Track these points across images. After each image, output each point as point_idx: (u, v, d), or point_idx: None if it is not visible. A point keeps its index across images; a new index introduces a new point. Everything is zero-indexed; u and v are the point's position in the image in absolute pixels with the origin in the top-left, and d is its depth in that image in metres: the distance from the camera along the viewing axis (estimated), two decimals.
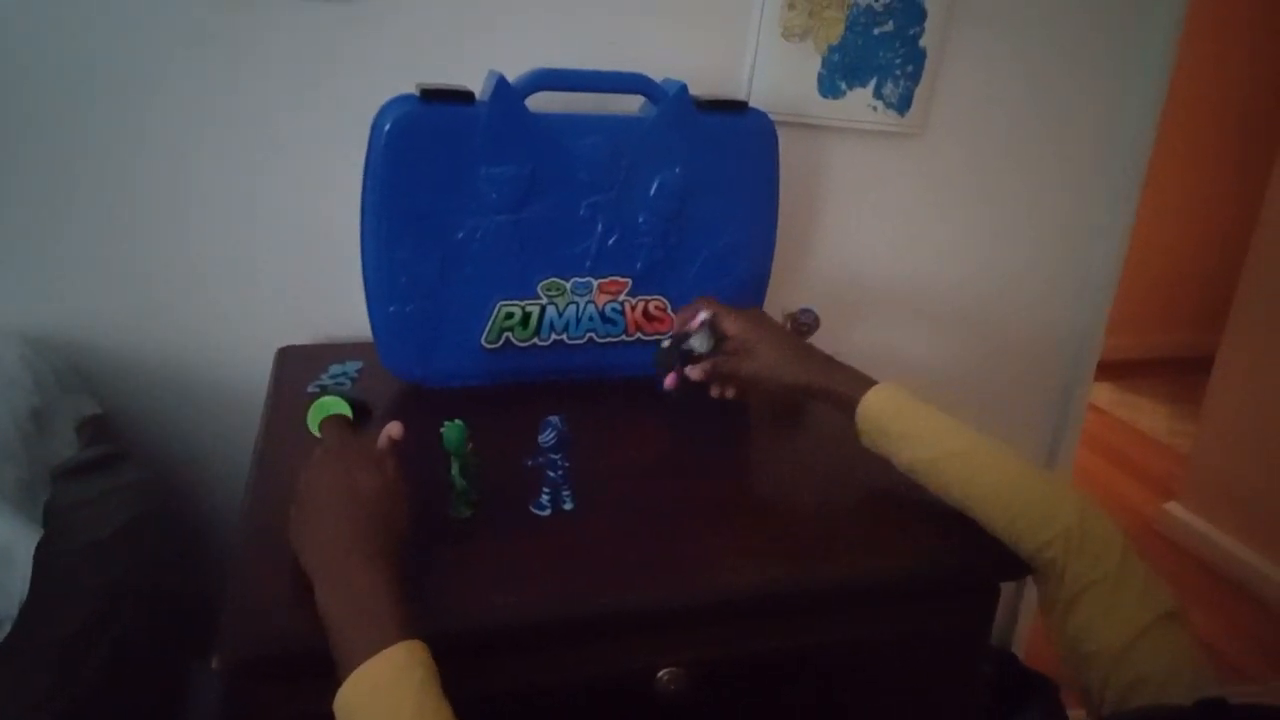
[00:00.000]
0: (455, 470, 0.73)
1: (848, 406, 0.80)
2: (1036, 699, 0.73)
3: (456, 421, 0.73)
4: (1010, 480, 0.72)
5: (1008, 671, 1.05)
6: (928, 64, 1.19)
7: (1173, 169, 2.93)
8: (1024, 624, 1.64)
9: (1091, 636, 0.64)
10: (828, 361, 0.85)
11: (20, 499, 0.76)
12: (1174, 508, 2.37)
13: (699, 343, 0.89)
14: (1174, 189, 3.18)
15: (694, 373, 0.89)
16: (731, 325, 0.87)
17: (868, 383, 0.81)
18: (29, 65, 0.93)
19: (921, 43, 1.18)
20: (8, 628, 0.68)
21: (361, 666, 0.53)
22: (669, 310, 1.02)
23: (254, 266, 1.06)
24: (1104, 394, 3.18)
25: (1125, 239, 1.44)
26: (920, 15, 1.16)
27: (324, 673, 0.55)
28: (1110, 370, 1.64)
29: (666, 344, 0.90)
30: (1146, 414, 3.14)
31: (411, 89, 0.88)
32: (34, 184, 0.97)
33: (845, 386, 0.81)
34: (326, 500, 0.63)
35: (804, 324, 1.06)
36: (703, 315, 0.88)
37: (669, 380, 0.89)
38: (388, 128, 0.85)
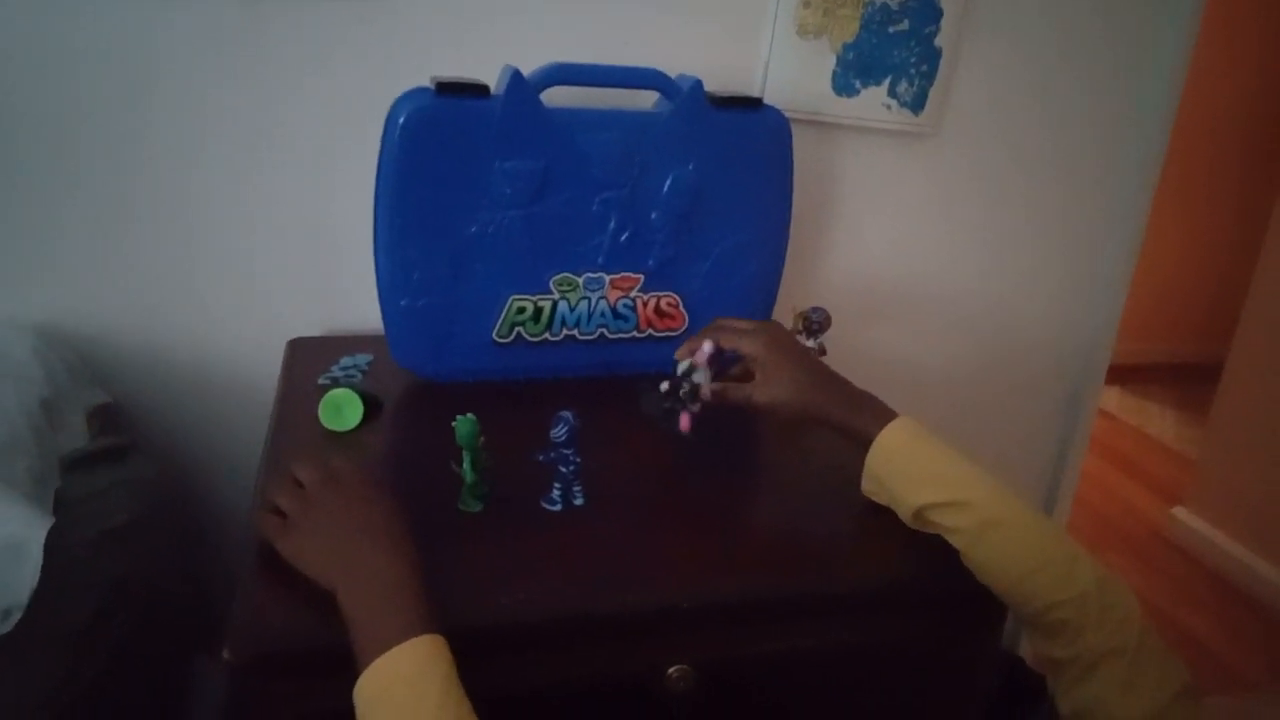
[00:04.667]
0: (467, 465, 0.73)
1: (864, 441, 0.76)
2: (1040, 704, 0.72)
3: (469, 416, 0.73)
4: (1027, 536, 0.69)
5: (1014, 675, 1.04)
6: (942, 63, 1.19)
7: (1184, 173, 2.92)
8: None
9: (1109, 708, 0.62)
10: (848, 392, 0.79)
11: (31, 489, 0.76)
12: (1181, 513, 2.36)
13: (703, 377, 0.82)
14: (1185, 193, 3.17)
15: (705, 392, 0.81)
16: (749, 344, 0.80)
17: (885, 418, 0.76)
18: (45, 60, 0.92)
19: (937, 42, 1.17)
20: (17, 617, 0.67)
21: (386, 655, 0.53)
22: (680, 307, 1.01)
23: (266, 258, 1.06)
24: (1112, 399, 3.17)
25: (1137, 243, 1.43)
26: (936, 14, 1.16)
27: (332, 670, 0.55)
28: (1119, 375, 1.63)
29: (665, 387, 0.83)
30: (1155, 419, 3.13)
31: (426, 82, 0.88)
32: (46, 178, 0.97)
33: (862, 422, 0.76)
34: (338, 505, 0.64)
35: (815, 323, 1.05)
36: (707, 348, 0.81)
37: (683, 423, 0.82)
38: (402, 121, 0.85)
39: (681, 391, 0.83)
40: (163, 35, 0.94)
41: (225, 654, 0.58)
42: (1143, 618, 0.65)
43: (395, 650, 0.53)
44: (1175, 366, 3.45)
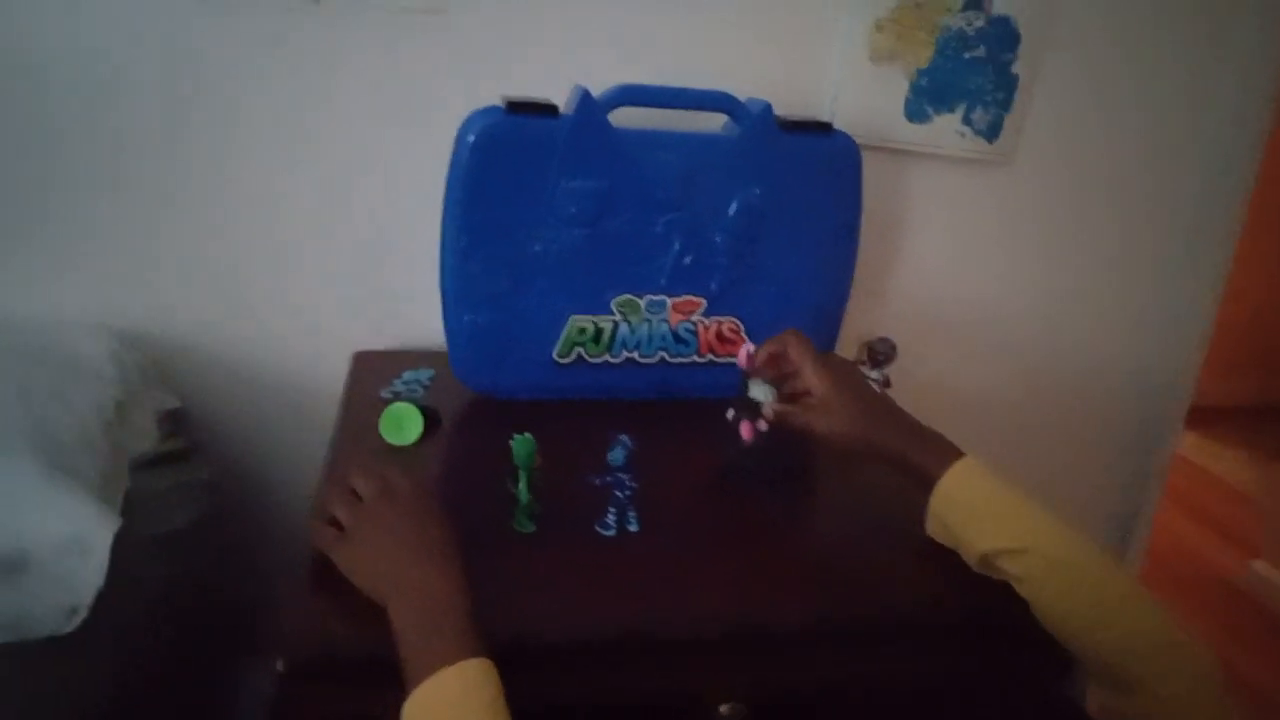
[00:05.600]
0: (522, 485, 0.73)
1: (927, 482, 0.73)
2: None
3: (526, 435, 0.72)
4: (1097, 584, 0.66)
5: None
6: (1019, 91, 1.16)
7: (1270, 200, 2.80)
8: None
9: None
10: (911, 429, 0.77)
11: (102, 489, 0.77)
12: (1260, 566, 2.25)
13: (760, 393, 0.82)
14: (1269, 227, 3.03)
15: (766, 412, 0.81)
16: (812, 376, 0.78)
17: (950, 458, 0.73)
18: (119, 70, 0.95)
19: (1014, 69, 1.14)
20: (82, 616, 0.69)
21: (434, 676, 0.53)
22: (742, 333, 1.00)
23: (334, 271, 1.07)
24: (1186, 441, 3.04)
25: (1221, 280, 1.37)
26: (1014, 41, 1.13)
27: (382, 679, 0.55)
28: (1194, 416, 1.56)
29: (731, 414, 0.84)
30: (1232, 464, 2.98)
31: (496, 101, 0.89)
32: (126, 185, 0.99)
33: (926, 461, 0.74)
34: (393, 520, 0.63)
35: (880, 354, 1.03)
36: (747, 349, 0.82)
37: (744, 431, 0.82)
38: (472, 139, 0.86)
39: (730, 415, 0.82)
40: (242, 50, 0.97)
41: (279, 664, 0.58)
42: (1220, 677, 0.61)
43: (442, 673, 0.53)
44: (1255, 408, 3.29)
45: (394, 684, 0.54)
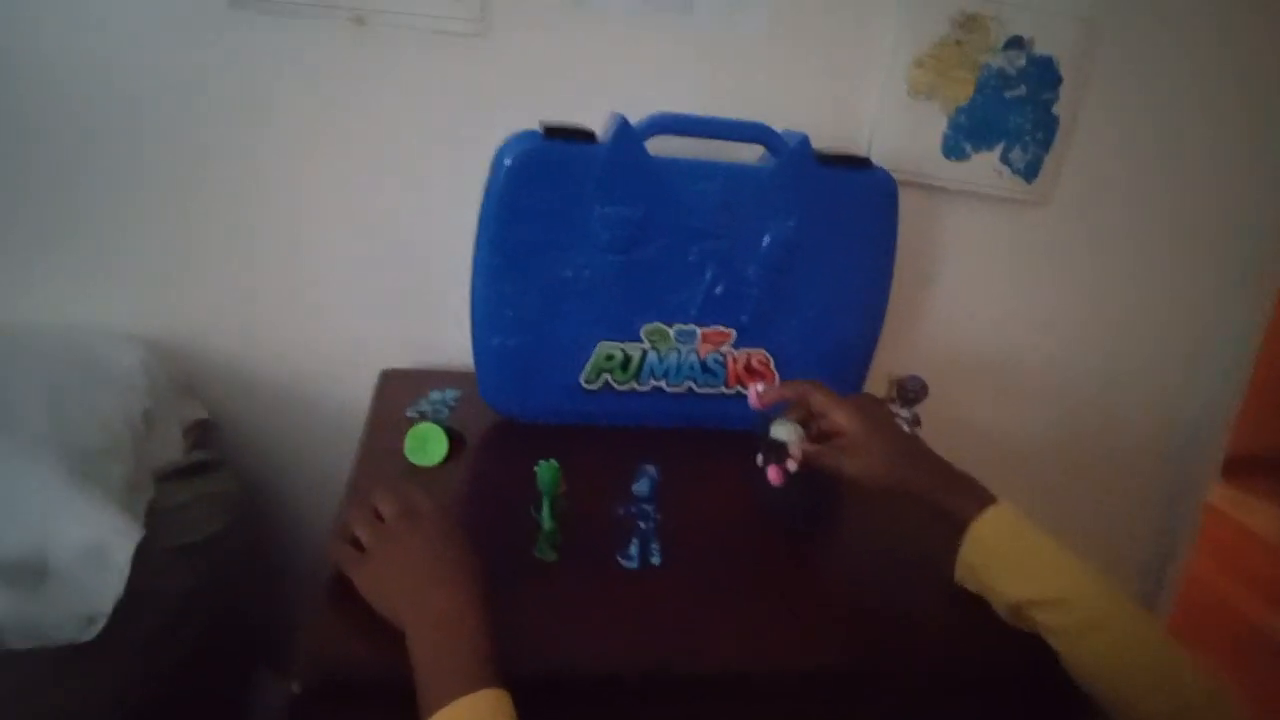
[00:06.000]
0: (545, 511, 0.72)
1: (958, 525, 0.72)
2: None
3: (551, 462, 0.72)
4: (1133, 640, 0.64)
5: None
6: (1060, 132, 1.15)
7: None
8: None
9: None
10: (943, 471, 0.76)
11: (126, 498, 0.78)
12: None
13: (783, 433, 0.80)
14: None
15: (794, 459, 0.78)
16: (842, 418, 0.77)
17: (982, 502, 0.71)
18: (156, 85, 0.96)
19: (1055, 109, 1.13)
20: (101, 624, 0.69)
21: (448, 706, 0.52)
22: (771, 366, 0.99)
23: (365, 289, 1.08)
24: (1219, 491, 2.97)
25: (1259, 327, 1.35)
26: (1055, 81, 1.12)
27: (397, 704, 0.54)
28: (1228, 466, 1.53)
29: (760, 459, 0.81)
30: (1260, 515, 2.92)
31: (533, 125, 0.89)
32: (161, 198, 1.00)
33: (958, 504, 0.72)
34: (415, 544, 0.63)
35: (910, 391, 1.02)
36: (757, 388, 0.81)
37: (772, 475, 0.79)
38: (509, 162, 0.86)
39: (760, 460, 0.81)
40: (284, 70, 0.97)
41: (294, 685, 0.57)
42: None
43: (455, 704, 0.52)
44: None
45: (410, 709, 0.54)
